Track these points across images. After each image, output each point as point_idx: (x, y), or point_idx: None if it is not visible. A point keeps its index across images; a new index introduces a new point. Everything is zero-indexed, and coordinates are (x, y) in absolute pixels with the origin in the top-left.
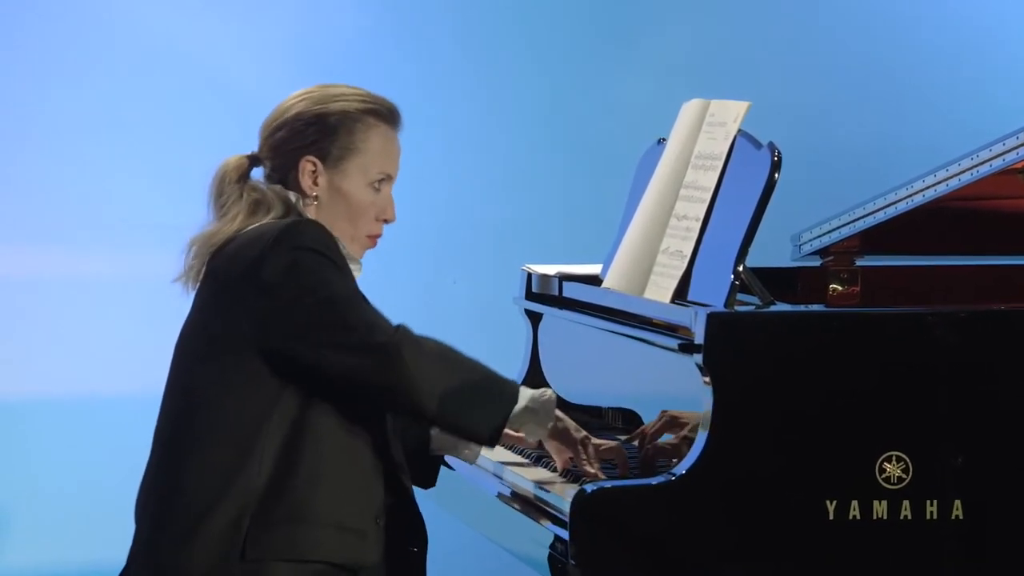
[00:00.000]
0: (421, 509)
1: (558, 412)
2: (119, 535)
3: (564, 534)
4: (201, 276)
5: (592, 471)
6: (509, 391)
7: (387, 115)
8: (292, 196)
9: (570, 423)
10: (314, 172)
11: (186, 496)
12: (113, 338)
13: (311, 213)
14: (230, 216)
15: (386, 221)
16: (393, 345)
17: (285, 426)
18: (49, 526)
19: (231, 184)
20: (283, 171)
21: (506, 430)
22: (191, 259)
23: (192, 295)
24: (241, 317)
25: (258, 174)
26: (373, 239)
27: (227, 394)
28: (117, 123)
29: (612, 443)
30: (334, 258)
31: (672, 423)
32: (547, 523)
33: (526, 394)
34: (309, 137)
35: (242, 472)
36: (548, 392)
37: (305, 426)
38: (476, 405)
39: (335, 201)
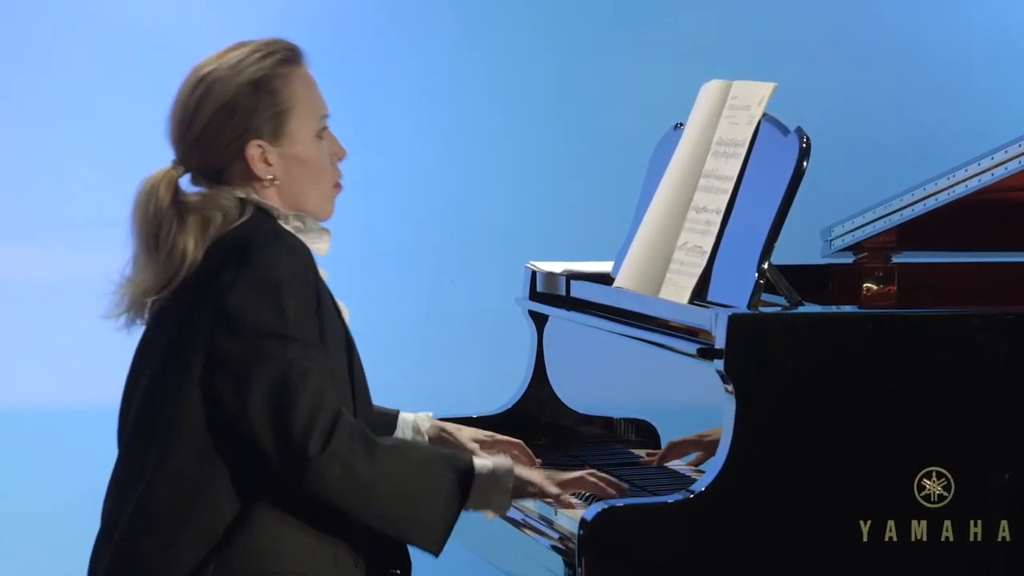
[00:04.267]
0: None
1: (516, 470)
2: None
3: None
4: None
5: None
6: (453, 489)
7: (290, 56)
8: (239, 193)
9: (531, 474)
10: (263, 153)
11: (147, 531)
12: (78, 344)
13: (271, 197)
14: (178, 251)
15: (340, 160)
16: (317, 461)
17: (246, 466)
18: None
19: (166, 209)
20: (218, 165)
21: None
22: (134, 304)
23: (136, 330)
24: (194, 330)
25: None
26: (338, 185)
27: (185, 411)
28: (83, 113)
29: (576, 474)
30: (304, 284)
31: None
32: (550, 543)
33: (480, 477)
34: (237, 125)
35: (202, 503)
36: (502, 465)
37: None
38: (416, 515)
39: (293, 171)
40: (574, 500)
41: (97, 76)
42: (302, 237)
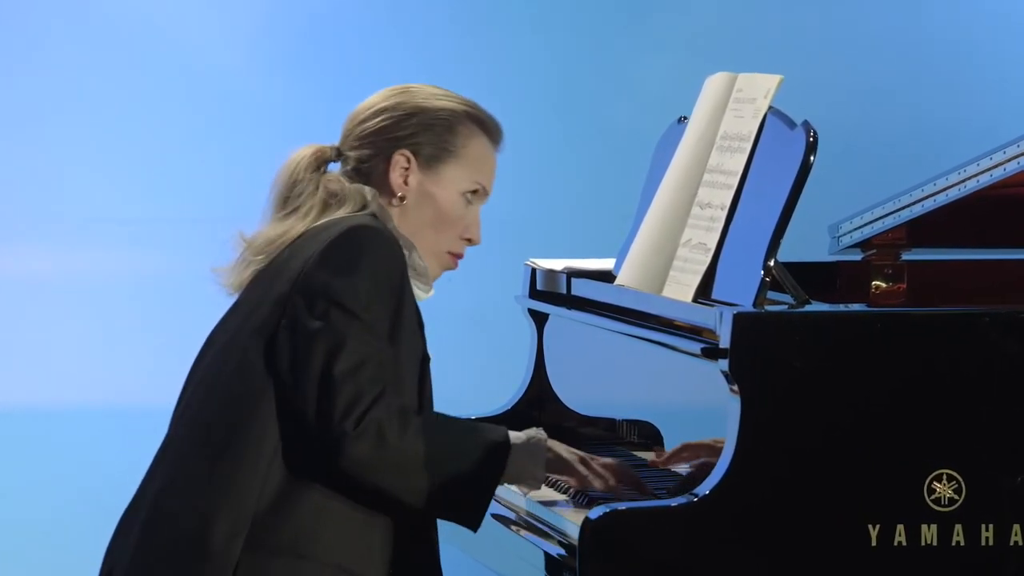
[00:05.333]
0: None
1: (549, 443)
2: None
3: (555, 551)
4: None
5: (603, 487)
6: (489, 460)
7: (491, 127)
8: (369, 194)
9: (561, 449)
10: (407, 169)
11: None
12: (66, 344)
13: (394, 216)
14: (303, 211)
15: (470, 242)
16: (352, 437)
17: (295, 437)
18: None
19: (307, 173)
20: (369, 165)
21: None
22: (246, 262)
23: (233, 299)
24: (275, 297)
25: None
26: (454, 258)
27: (243, 377)
28: (70, 109)
29: (612, 460)
30: (390, 283)
31: (689, 453)
32: (552, 546)
33: (516, 448)
34: (406, 128)
35: (236, 486)
36: (536, 436)
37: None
38: (453, 497)
39: (423, 205)
40: (599, 489)
41: (92, 72)
42: None
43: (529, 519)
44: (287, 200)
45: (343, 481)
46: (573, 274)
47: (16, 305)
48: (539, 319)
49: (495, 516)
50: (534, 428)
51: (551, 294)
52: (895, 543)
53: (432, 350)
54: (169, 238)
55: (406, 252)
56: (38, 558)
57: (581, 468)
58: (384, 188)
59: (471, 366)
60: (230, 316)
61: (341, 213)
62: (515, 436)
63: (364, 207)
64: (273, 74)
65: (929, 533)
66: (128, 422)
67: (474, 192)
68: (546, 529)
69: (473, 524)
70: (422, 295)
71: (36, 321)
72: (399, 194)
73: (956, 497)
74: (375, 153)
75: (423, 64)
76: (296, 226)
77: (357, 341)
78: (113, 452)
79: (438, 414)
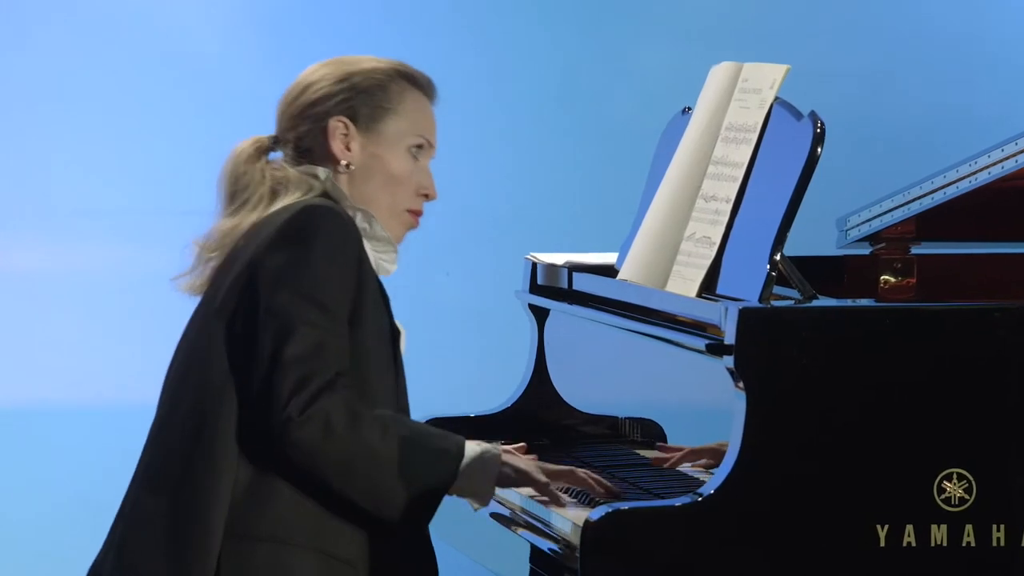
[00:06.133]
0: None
1: (504, 457)
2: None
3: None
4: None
5: (567, 488)
6: (439, 467)
7: (422, 81)
8: (321, 172)
9: (518, 461)
10: (346, 135)
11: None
12: (54, 340)
13: (343, 184)
14: (252, 203)
15: (427, 197)
16: (296, 423)
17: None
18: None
19: (250, 164)
20: (308, 141)
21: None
22: (204, 260)
23: (197, 300)
24: (234, 288)
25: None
26: (415, 215)
27: (208, 380)
28: (64, 101)
29: (565, 467)
30: (345, 261)
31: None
32: (549, 545)
33: (469, 459)
34: (338, 95)
35: (210, 479)
36: (491, 450)
37: None
38: (400, 490)
39: (371, 168)
40: (564, 496)
41: (78, 62)
42: (365, 241)
43: (525, 516)
44: (235, 195)
45: (290, 468)
46: (574, 268)
47: (1, 301)
48: (540, 315)
49: (492, 514)
50: (491, 443)
51: (552, 289)
52: (904, 544)
53: (429, 347)
54: (159, 231)
55: (366, 225)
56: (27, 558)
57: (540, 478)
58: (328, 160)
59: (470, 363)
60: (197, 311)
61: (292, 199)
62: (470, 447)
63: (312, 189)
64: (263, 65)
65: (939, 533)
66: (120, 419)
67: (419, 147)
68: (542, 527)
69: (415, 529)
70: (389, 267)
71: (23, 316)
72: (344, 162)
73: (967, 497)
74: (311, 127)
75: (419, 53)
76: (248, 218)
77: (309, 326)
78: (104, 450)
79: (392, 413)
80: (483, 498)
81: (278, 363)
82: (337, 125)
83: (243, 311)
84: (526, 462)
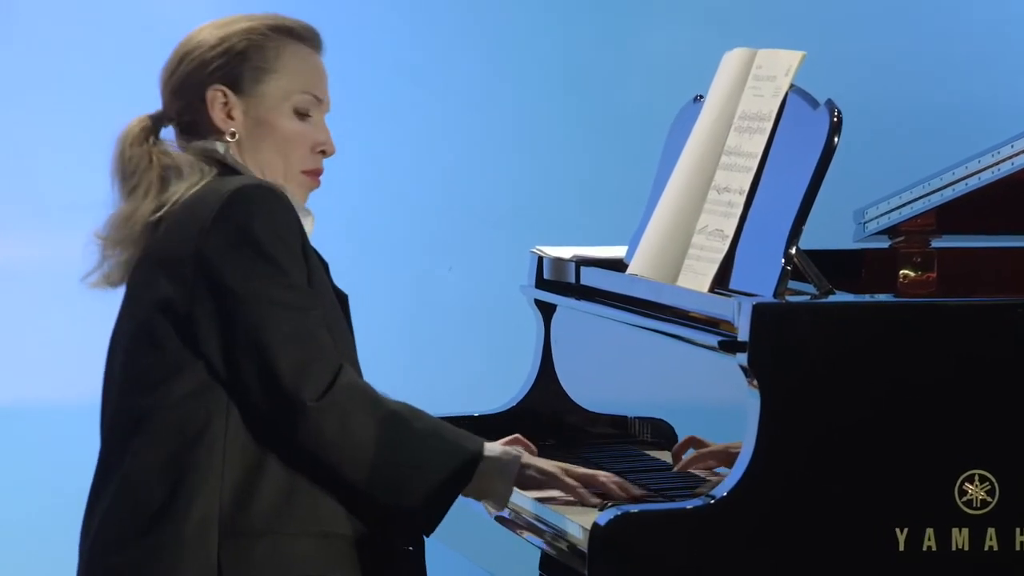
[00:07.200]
0: None
1: (525, 458)
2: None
3: (555, 550)
4: (131, 265)
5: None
6: (456, 465)
7: (301, 31)
8: (220, 147)
9: (541, 462)
10: (225, 103)
11: (132, 504)
12: (46, 337)
13: (237, 154)
14: (142, 189)
15: (324, 153)
16: (314, 410)
17: (245, 419)
18: None
19: (137, 147)
20: (190, 116)
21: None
22: (109, 252)
23: (120, 291)
24: (177, 292)
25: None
26: (313, 175)
27: (174, 382)
28: (46, 89)
29: (591, 471)
30: (290, 232)
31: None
32: (556, 549)
33: (488, 458)
34: (213, 63)
35: (197, 472)
36: (512, 452)
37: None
38: (415, 479)
39: (258, 134)
40: (593, 499)
41: (66, 53)
42: None
43: (531, 519)
44: (125, 180)
45: (298, 455)
46: (582, 262)
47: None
48: (546, 310)
49: (497, 518)
50: (512, 447)
51: (559, 284)
52: (924, 548)
53: (431, 343)
54: None
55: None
56: (22, 557)
57: (568, 480)
58: (213, 132)
59: (474, 360)
60: (126, 311)
61: (183, 185)
62: (489, 448)
63: (204, 175)
64: None
65: (960, 537)
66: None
67: (307, 104)
68: (549, 531)
69: (426, 528)
70: (309, 228)
71: (15, 312)
72: (229, 131)
73: (989, 499)
74: (189, 101)
75: (422, 42)
76: (144, 205)
77: (284, 307)
78: (98, 448)
79: (411, 406)
80: (501, 499)
81: (268, 349)
82: (216, 95)
83: (200, 304)
84: (550, 464)
